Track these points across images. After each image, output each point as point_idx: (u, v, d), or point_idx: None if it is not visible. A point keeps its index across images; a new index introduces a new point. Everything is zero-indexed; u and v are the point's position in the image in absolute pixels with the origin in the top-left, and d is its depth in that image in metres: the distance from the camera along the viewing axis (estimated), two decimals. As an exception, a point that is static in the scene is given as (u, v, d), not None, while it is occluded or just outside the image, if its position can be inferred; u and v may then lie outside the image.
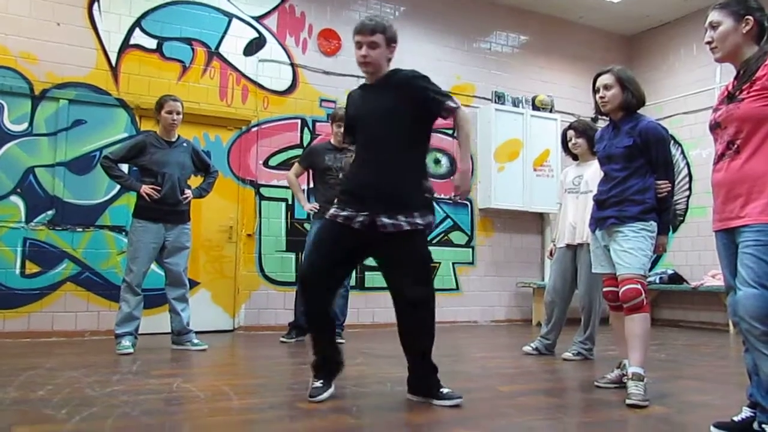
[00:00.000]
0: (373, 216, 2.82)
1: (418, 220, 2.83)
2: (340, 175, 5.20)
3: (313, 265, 2.94)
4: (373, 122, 2.95)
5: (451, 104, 2.93)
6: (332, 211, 2.96)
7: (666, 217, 3.21)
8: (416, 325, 2.90)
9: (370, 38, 2.91)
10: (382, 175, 2.87)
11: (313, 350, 2.96)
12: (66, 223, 5.55)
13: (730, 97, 2.32)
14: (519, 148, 7.74)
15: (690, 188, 7.99)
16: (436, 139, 7.45)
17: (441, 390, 2.85)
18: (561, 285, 4.67)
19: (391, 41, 2.98)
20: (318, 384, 2.87)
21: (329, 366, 2.95)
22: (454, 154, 7.57)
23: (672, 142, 8.02)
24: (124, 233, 5.56)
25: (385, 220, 2.79)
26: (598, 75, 3.31)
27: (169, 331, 4.79)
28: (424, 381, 2.89)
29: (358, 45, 2.96)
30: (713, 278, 7.09)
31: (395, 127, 2.90)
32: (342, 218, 2.88)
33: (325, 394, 2.84)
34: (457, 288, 7.45)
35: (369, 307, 6.82)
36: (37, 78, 5.55)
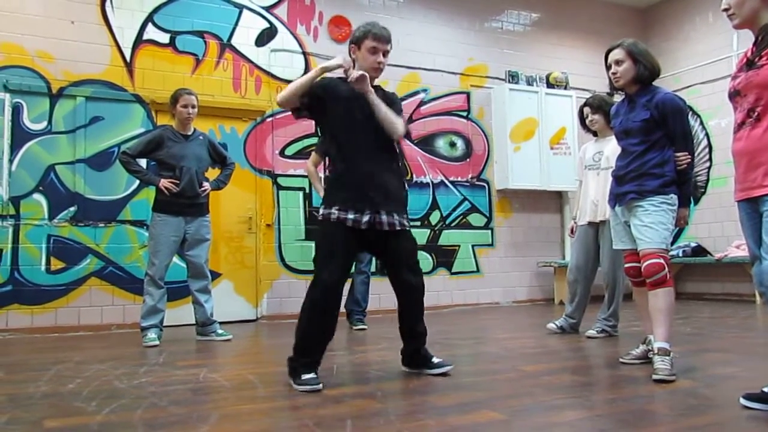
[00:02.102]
0: (374, 215, 2.96)
1: (405, 221, 3.10)
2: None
3: (334, 278, 2.94)
4: (373, 127, 3.01)
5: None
6: (336, 213, 2.95)
7: (686, 189, 3.17)
8: (418, 308, 3.16)
9: (387, 47, 3.06)
10: (384, 176, 3.03)
11: (316, 354, 2.94)
12: (88, 219, 5.63)
13: (749, 64, 2.27)
14: (535, 127, 7.67)
15: (710, 159, 7.88)
16: (449, 122, 7.42)
17: (432, 360, 3.13)
18: (584, 263, 4.64)
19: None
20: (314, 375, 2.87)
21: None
22: (468, 135, 7.53)
23: (690, 112, 7.93)
24: (145, 227, 5.62)
25: (385, 219, 2.98)
26: (609, 50, 3.25)
27: (194, 322, 4.84)
28: (418, 354, 3.16)
29: (374, 50, 3.03)
30: (737, 249, 7.01)
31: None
32: (351, 221, 2.94)
33: (319, 386, 2.83)
34: (478, 270, 7.44)
35: (390, 292, 6.75)
36: (54, 76, 5.61)
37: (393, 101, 3.16)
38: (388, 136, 3.03)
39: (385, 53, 3.07)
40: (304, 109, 3.06)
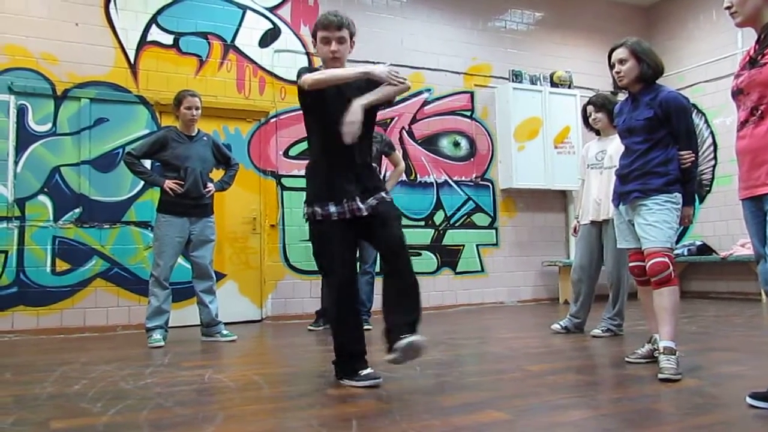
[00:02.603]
0: (350, 203, 2.91)
1: (386, 196, 2.99)
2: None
3: (345, 275, 2.96)
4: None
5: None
6: (320, 210, 2.92)
7: (691, 187, 3.17)
8: (403, 298, 2.91)
9: (338, 33, 2.94)
10: (359, 165, 2.97)
11: (359, 348, 3.00)
12: (93, 220, 5.64)
13: (752, 62, 2.27)
14: (539, 126, 7.66)
15: (715, 157, 7.86)
16: (453, 121, 7.42)
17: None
18: (587, 262, 4.63)
19: (353, 36, 3.03)
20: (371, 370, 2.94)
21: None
22: (472, 135, 7.53)
23: (695, 111, 7.91)
24: (149, 228, 5.63)
25: (361, 205, 2.90)
26: (613, 49, 3.25)
27: (199, 323, 4.85)
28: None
29: (326, 40, 2.95)
30: (742, 247, 6.98)
31: (366, 121, 2.88)
32: (336, 215, 2.91)
33: (379, 380, 2.90)
34: (482, 270, 7.44)
35: (395, 292, 6.82)
36: (58, 78, 5.63)
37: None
38: (366, 128, 2.91)
39: (340, 40, 2.94)
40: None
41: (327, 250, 2.96)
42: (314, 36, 3.03)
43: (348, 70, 2.88)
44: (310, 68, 3.02)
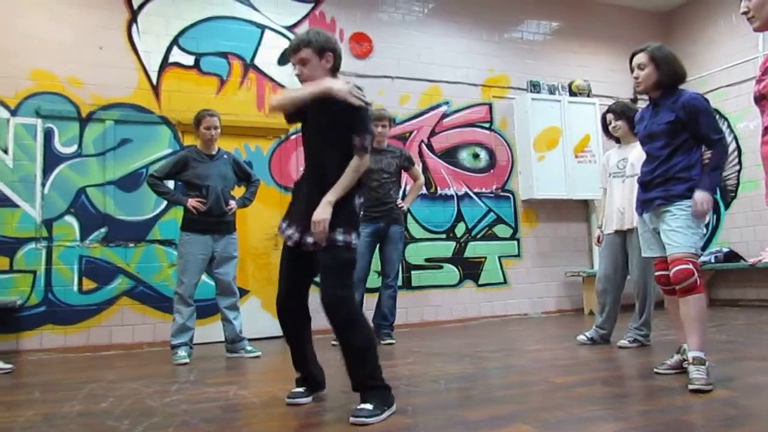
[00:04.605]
0: (300, 234, 2.79)
1: (338, 237, 2.70)
2: (383, 176, 5.22)
3: (280, 295, 3.07)
4: (313, 133, 2.85)
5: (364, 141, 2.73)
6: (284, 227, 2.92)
7: (714, 176, 3.02)
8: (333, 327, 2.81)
9: (298, 56, 2.77)
10: (312, 193, 2.75)
11: (297, 368, 3.04)
12: (118, 239, 5.72)
13: (774, 66, 2.24)
14: (558, 136, 7.62)
15: (740, 162, 7.74)
16: (472, 133, 7.41)
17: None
18: (612, 272, 4.58)
19: (322, 50, 2.76)
20: (300, 389, 2.94)
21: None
22: (492, 146, 7.52)
23: (717, 115, 7.82)
24: (173, 246, 5.69)
25: (308, 240, 2.75)
26: (634, 54, 3.23)
27: (223, 339, 4.88)
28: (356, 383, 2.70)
29: (293, 66, 2.85)
30: (772, 254, 6.85)
31: (330, 142, 2.75)
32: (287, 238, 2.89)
33: (303, 400, 2.89)
34: (505, 281, 7.39)
35: (417, 305, 6.82)
36: (83, 101, 5.74)
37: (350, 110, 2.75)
38: (320, 157, 2.79)
39: (301, 61, 2.76)
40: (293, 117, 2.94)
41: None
42: None
43: (306, 89, 2.74)
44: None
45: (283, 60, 6.54)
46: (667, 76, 3.12)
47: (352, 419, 2.47)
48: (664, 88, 3.14)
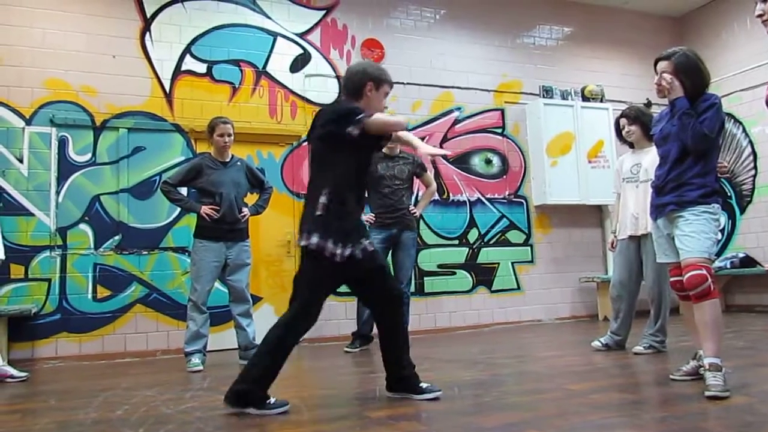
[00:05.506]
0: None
1: (312, 239, 3.01)
2: (395, 183, 5.23)
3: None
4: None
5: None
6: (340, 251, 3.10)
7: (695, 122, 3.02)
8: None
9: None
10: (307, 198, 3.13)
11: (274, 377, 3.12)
12: (132, 247, 5.76)
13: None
14: (571, 141, 7.59)
15: (755, 167, 7.67)
16: (484, 139, 7.40)
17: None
18: (626, 278, 4.54)
19: None
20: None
21: None
22: (504, 152, 7.49)
23: (732, 120, 7.76)
24: (187, 254, 5.72)
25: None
26: (659, 59, 3.18)
27: (236, 346, 4.88)
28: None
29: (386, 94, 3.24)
30: (789, 260, 6.77)
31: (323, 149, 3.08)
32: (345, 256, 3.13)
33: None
34: (519, 287, 7.35)
35: (430, 312, 6.81)
36: (97, 110, 5.80)
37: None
38: (319, 156, 3.10)
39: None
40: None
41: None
42: (364, 88, 3.10)
43: (407, 134, 3.15)
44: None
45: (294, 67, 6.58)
46: (693, 87, 3.08)
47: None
48: (689, 97, 3.10)
